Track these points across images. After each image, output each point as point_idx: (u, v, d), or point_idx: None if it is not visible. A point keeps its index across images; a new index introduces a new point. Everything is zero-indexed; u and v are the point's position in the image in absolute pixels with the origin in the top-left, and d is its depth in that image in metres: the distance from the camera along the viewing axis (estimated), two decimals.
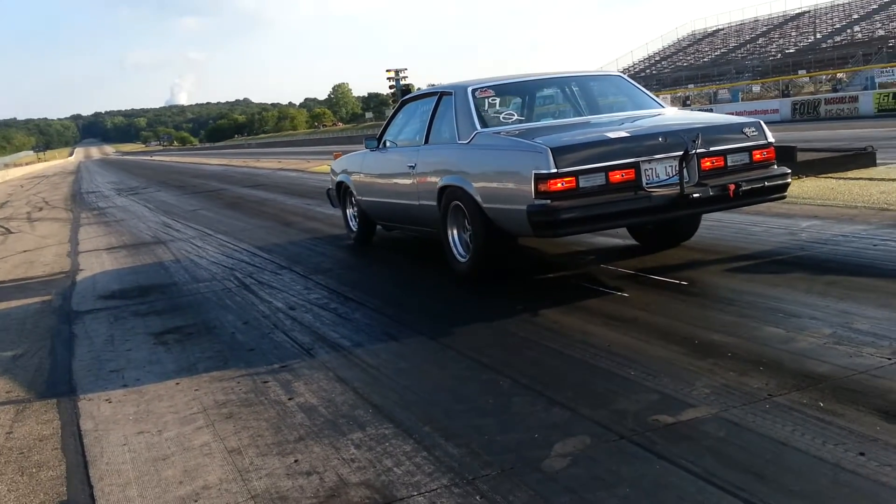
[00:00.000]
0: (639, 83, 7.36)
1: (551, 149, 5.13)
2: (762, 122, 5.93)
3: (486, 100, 6.58)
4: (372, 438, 3.67)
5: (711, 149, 5.45)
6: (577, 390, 3.98)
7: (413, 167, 7.02)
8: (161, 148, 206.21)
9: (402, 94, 25.13)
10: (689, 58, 79.02)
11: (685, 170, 5.24)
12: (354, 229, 9.37)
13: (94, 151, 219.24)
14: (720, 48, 77.95)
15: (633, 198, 5.23)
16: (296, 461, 3.53)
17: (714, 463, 3.05)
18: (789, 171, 5.97)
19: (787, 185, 5.90)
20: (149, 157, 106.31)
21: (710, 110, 42.23)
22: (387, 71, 24.85)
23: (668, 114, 6.79)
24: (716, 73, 65.53)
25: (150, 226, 14.44)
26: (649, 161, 5.30)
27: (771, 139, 5.85)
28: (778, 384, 3.75)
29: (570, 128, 6.16)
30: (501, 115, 6.60)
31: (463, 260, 6.52)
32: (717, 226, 8.05)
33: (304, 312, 6.39)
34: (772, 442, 3.18)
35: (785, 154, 11.51)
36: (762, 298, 5.26)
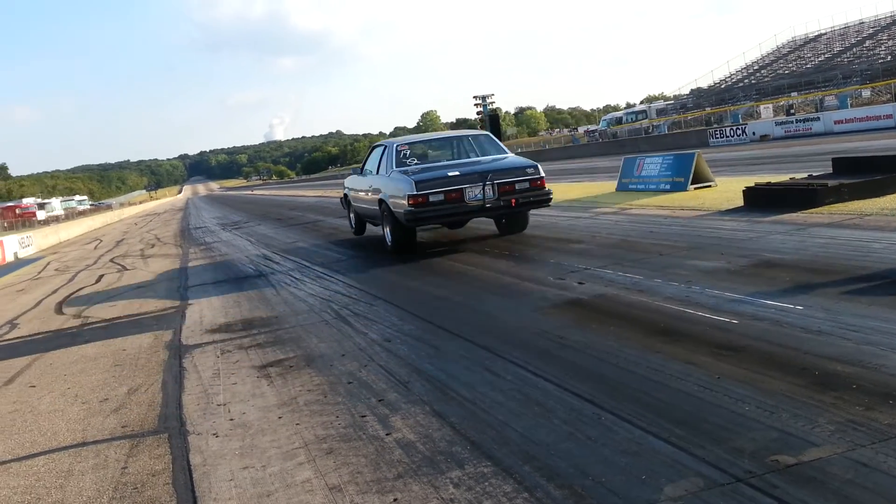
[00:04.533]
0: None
1: (415, 181, 9.48)
2: (538, 165, 10.05)
3: (403, 151, 10.93)
4: (471, 477, 3.59)
5: (502, 180, 9.55)
6: (686, 427, 3.78)
7: (370, 187, 11.61)
8: (261, 182, 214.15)
9: (490, 118, 25.21)
10: (790, 65, 75.85)
11: (488, 190, 9.39)
12: (353, 224, 14.53)
13: (201, 188, 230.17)
14: (824, 53, 74.55)
15: (459, 207, 9.44)
16: (395, 500, 3.48)
17: None
18: (552, 191, 10.23)
19: (550, 199, 10.23)
20: (250, 192, 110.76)
21: (818, 119, 40.50)
22: (474, 97, 25.03)
23: (508, 158, 10.87)
24: (821, 80, 62.64)
25: (251, 259, 14.91)
26: (471, 187, 9.51)
27: (542, 174, 10.02)
28: None
29: (438, 168, 10.39)
30: (408, 160, 10.80)
31: (390, 244, 10.89)
32: (832, 243, 7.61)
33: (399, 344, 6.40)
34: None
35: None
36: (888, 323, 4.89)
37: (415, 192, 9.52)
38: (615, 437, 3.83)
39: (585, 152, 52.87)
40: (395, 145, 11.11)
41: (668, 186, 15.47)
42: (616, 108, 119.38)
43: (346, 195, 14.38)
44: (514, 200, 9.71)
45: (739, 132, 42.58)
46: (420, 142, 12.23)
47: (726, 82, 78.18)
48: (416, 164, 10.87)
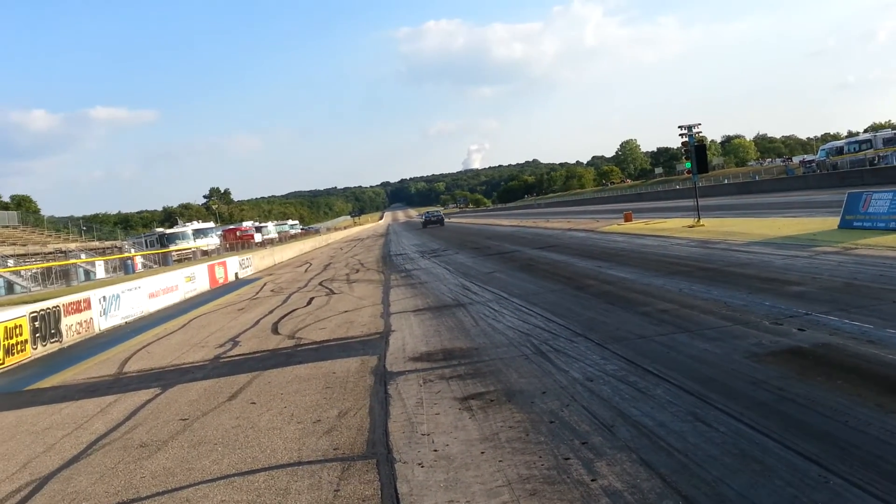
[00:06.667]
0: None
1: (424, 218, 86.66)
2: (442, 214, 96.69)
3: (425, 214, 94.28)
4: None
5: (436, 217, 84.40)
6: None
7: (421, 218, 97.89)
8: (458, 210, 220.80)
9: (696, 149, 24.19)
10: None
11: (434, 218, 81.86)
12: (422, 226, 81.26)
13: (400, 215, 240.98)
14: None
15: (431, 222, 79.79)
16: None
17: None
18: (443, 217, 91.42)
19: (443, 221, 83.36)
20: (447, 219, 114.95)
21: None
22: (679, 127, 24.09)
23: (440, 212, 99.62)
24: None
25: (450, 288, 15.32)
26: (432, 218, 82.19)
27: (443, 216, 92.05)
28: None
29: (428, 216, 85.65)
30: (427, 214, 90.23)
31: (422, 227, 79.39)
32: None
33: (601, 384, 6.25)
34: None
35: None
36: None
37: (424, 220, 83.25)
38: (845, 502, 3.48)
39: (801, 185, 49.35)
40: (426, 212, 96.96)
41: None
42: (836, 137, 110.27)
43: (422, 220, 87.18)
44: (437, 221, 79.00)
45: None
46: (429, 211, 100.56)
47: None
48: (428, 214, 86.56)
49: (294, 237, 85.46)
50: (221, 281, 27.83)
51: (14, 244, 44.32)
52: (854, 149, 50.62)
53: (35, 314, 13.25)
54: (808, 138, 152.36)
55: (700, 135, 24.60)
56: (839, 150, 52.77)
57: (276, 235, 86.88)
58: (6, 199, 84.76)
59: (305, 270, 29.60)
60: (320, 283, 21.45)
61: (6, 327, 12.18)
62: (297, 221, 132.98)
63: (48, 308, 13.86)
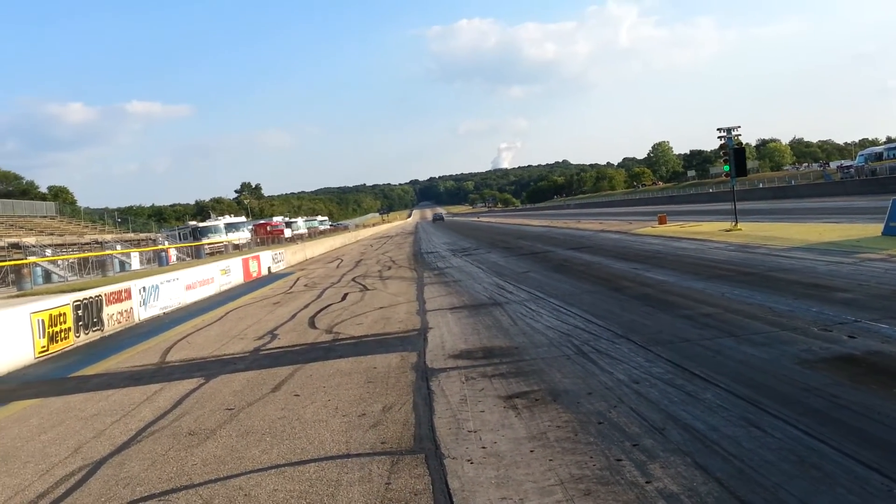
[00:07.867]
0: None
1: (432, 216, 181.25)
2: (443, 213, 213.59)
3: (435, 213, 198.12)
4: None
5: (440, 214, 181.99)
6: None
7: (433, 215, 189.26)
8: (486, 209, 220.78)
9: (735, 152, 23.92)
10: None
11: (438, 216, 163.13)
12: (432, 220, 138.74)
13: (429, 213, 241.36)
14: None
15: (438, 218, 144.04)
16: None
17: None
18: (443, 216, 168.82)
19: (444, 219, 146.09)
20: (475, 218, 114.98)
21: None
22: (718, 129, 23.83)
23: (442, 213, 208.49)
24: None
25: (485, 287, 15.30)
26: (438, 216, 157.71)
27: (444, 215, 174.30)
28: None
29: (436, 214, 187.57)
30: (439, 213, 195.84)
31: (436, 223, 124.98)
32: None
33: (648, 387, 6.20)
34: None
35: None
36: None
37: (433, 218, 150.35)
38: None
39: (839, 190, 48.71)
40: (434, 213, 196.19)
41: None
42: (875, 143, 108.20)
43: (434, 217, 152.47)
44: (440, 218, 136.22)
45: None
46: (436, 213, 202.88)
47: None
48: (435, 215, 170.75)
49: (323, 233, 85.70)
50: (255, 275, 28.09)
51: (52, 234, 45.13)
52: (894, 154, 49.65)
53: (78, 303, 13.48)
54: (845, 143, 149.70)
55: (738, 138, 24.33)
56: (878, 156, 51.84)
57: (306, 231, 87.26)
58: (44, 189, 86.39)
59: (337, 266, 29.72)
60: (353, 280, 21.52)
61: (51, 315, 12.41)
62: (326, 217, 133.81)
63: (91, 297, 14.09)
